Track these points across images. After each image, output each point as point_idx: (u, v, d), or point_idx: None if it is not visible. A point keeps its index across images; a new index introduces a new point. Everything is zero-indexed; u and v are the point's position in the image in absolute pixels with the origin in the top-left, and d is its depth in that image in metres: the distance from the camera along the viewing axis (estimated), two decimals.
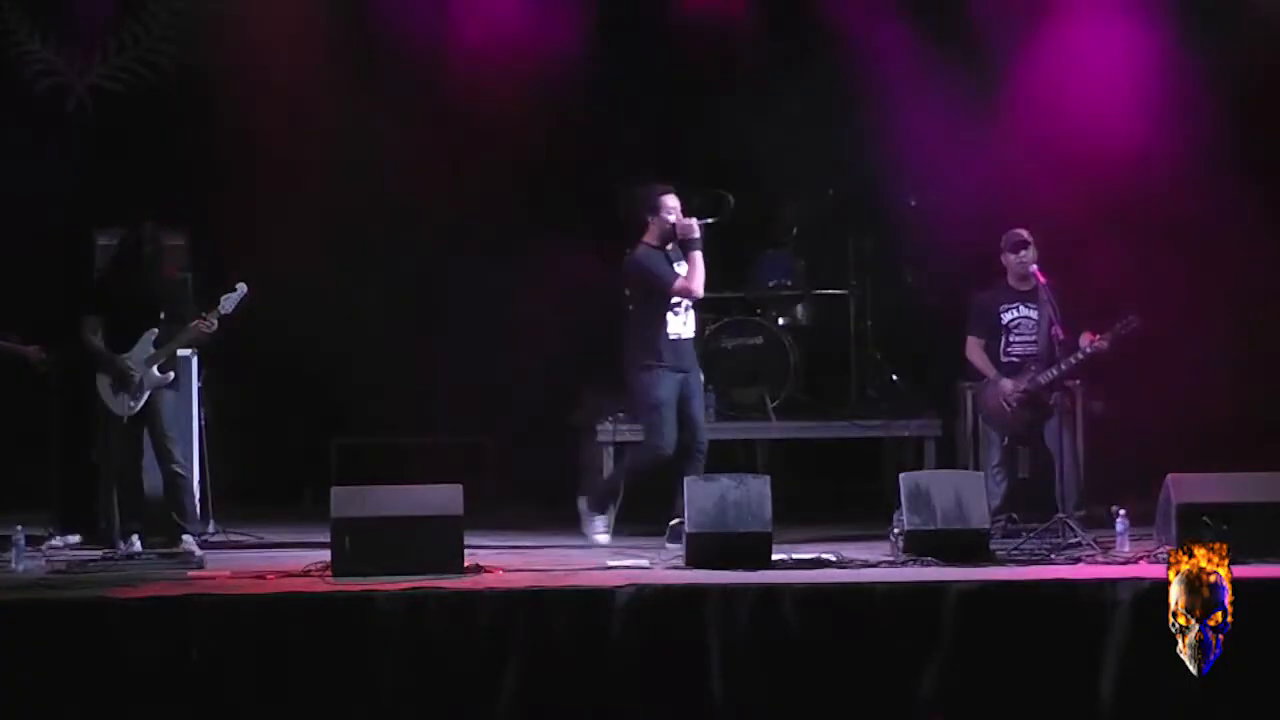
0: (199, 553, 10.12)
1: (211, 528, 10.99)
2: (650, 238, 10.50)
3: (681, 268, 10.42)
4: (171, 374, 10.44)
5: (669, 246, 10.46)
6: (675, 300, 10.40)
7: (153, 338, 10.40)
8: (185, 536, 10.29)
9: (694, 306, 10.52)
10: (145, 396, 10.38)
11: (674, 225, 10.41)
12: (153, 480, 10.54)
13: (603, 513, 10.54)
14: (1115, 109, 12.36)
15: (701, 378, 10.75)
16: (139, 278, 10.46)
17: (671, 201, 10.46)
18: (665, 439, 10.33)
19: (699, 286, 10.39)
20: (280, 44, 12.42)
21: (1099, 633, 8.47)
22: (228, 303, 10.42)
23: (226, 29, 12.58)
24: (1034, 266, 10.69)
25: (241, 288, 10.45)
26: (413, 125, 12.92)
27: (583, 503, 10.66)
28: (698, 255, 10.36)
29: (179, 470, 10.42)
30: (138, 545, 10.26)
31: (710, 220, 10.73)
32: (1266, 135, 12.33)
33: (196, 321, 10.35)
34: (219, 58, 12.57)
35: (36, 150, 12.27)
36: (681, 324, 10.45)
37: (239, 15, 12.58)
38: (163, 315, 10.44)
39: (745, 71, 12.97)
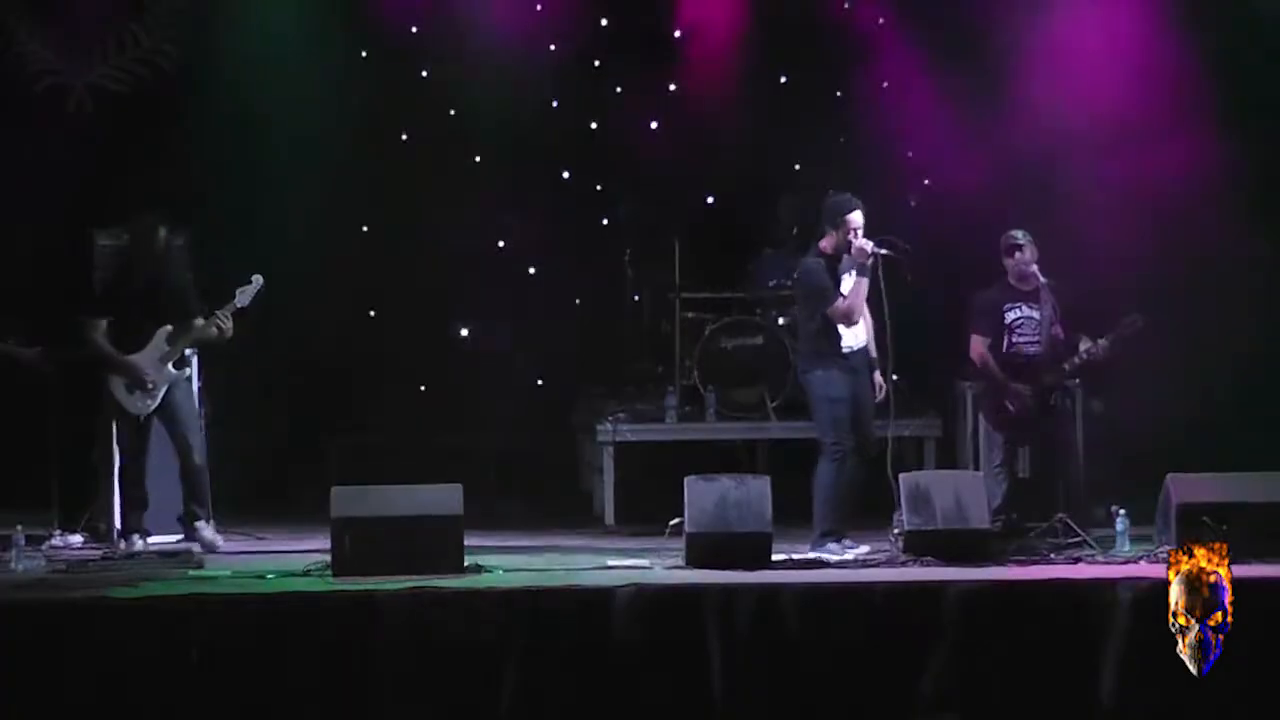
0: (221, 542, 10.27)
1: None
2: (826, 245, 10.16)
3: (848, 282, 10.10)
4: (187, 370, 10.46)
5: (844, 259, 10.14)
6: None
7: (166, 335, 10.40)
8: (200, 524, 10.36)
9: (863, 315, 10.17)
10: (161, 394, 10.40)
11: (850, 244, 10.07)
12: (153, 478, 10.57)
13: (839, 538, 10.01)
14: (1116, 106, 12.35)
15: (874, 381, 10.30)
16: (147, 275, 10.44)
17: (856, 219, 10.07)
18: (841, 435, 10.03)
19: (856, 314, 10.05)
20: (280, 41, 12.43)
21: (1099, 633, 8.48)
22: (243, 296, 10.44)
23: (226, 28, 12.58)
24: (1034, 266, 10.69)
25: (257, 280, 10.47)
26: (413, 124, 12.94)
27: (818, 543, 10.04)
28: (864, 282, 9.97)
29: (200, 463, 10.46)
30: (138, 545, 10.27)
31: (886, 253, 10.10)
32: (1268, 134, 12.35)
33: (210, 320, 10.35)
34: (218, 57, 12.57)
35: (36, 150, 12.27)
36: (854, 336, 10.13)
37: (238, 14, 12.59)
38: (173, 311, 10.44)
39: (745, 70, 12.98)
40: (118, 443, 10.55)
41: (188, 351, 10.84)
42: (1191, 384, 11.88)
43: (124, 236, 10.70)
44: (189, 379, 10.57)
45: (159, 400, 10.42)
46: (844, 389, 10.07)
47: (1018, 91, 12.42)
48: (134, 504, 10.45)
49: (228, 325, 10.44)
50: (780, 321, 12.41)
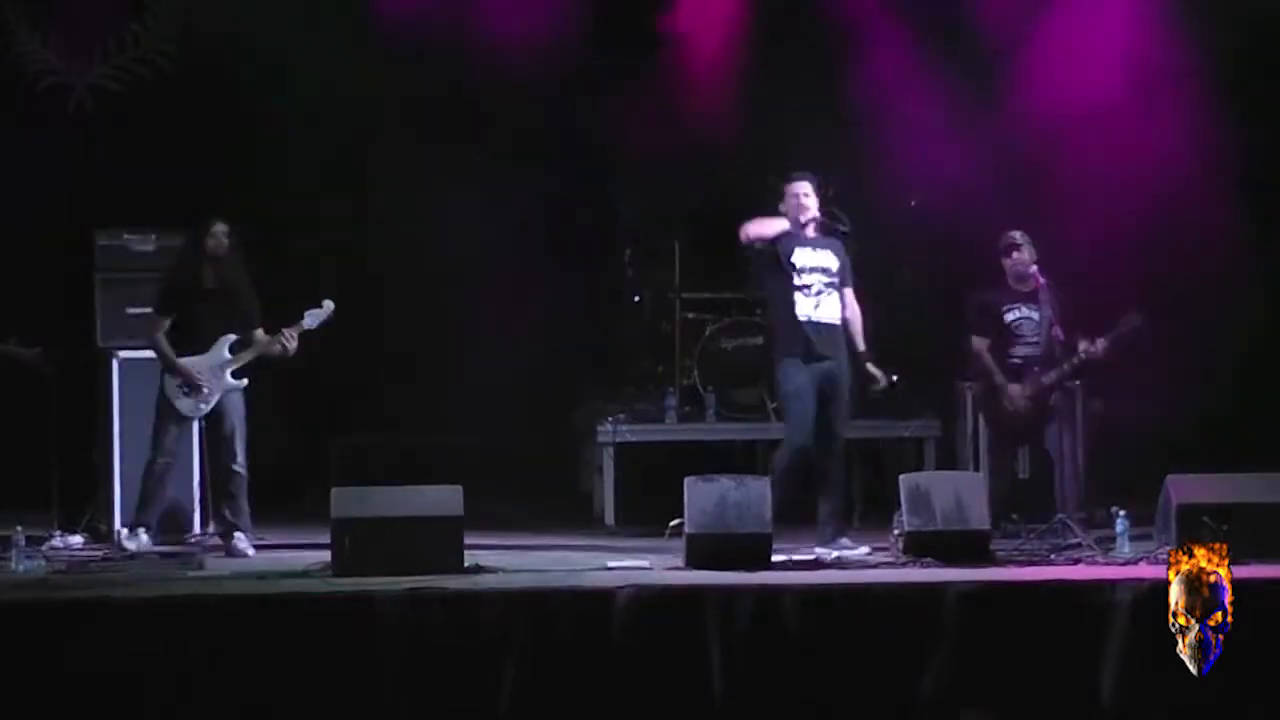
0: (252, 553, 10.20)
1: (212, 528, 11.00)
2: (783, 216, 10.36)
3: (802, 253, 10.19)
4: (245, 380, 10.41)
5: (804, 230, 10.27)
6: (802, 282, 10.17)
7: (229, 342, 10.36)
8: (238, 534, 10.31)
9: (827, 290, 10.20)
10: (214, 401, 10.36)
11: (795, 211, 10.24)
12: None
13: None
14: (1114, 104, 12.35)
15: (846, 372, 10.26)
16: (211, 279, 10.37)
17: (798, 188, 10.26)
18: (797, 431, 10.05)
19: (751, 230, 10.15)
20: (281, 40, 12.44)
21: (1099, 633, 8.48)
22: (311, 319, 10.40)
23: (226, 27, 12.59)
24: (1034, 267, 10.69)
25: (328, 305, 10.44)
26: (414, 123, 12.94)
27: None
28: (778, 219, 10.21)
29: (239, 470, 10.41)
30: (144, 542, 10.25)
31: (825, 221, 10.37)
32: (1265, 132, 12.35)
33: (275, 337, 10.31)
34: (219, 57, 12.57)
35: (36, 150, 12.27)
36: (812, 306, 10.14)
37: (238, 13, 12.59)
38: (237, 320, 10.40)
39: (745, 68, 12.98)
40: (155, 442, 10.46)
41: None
42: (1192, 383, 11.88)
43: (190, 237, 10.58)
44: (244, 389, 10.48)
45: (211, 406, 10.38)
46: (803, 381, 10.06)
47: (1018, 89, 12.44)
48: (153, 502, 10.41)
49: (292, 345, 10.40)
50: None
